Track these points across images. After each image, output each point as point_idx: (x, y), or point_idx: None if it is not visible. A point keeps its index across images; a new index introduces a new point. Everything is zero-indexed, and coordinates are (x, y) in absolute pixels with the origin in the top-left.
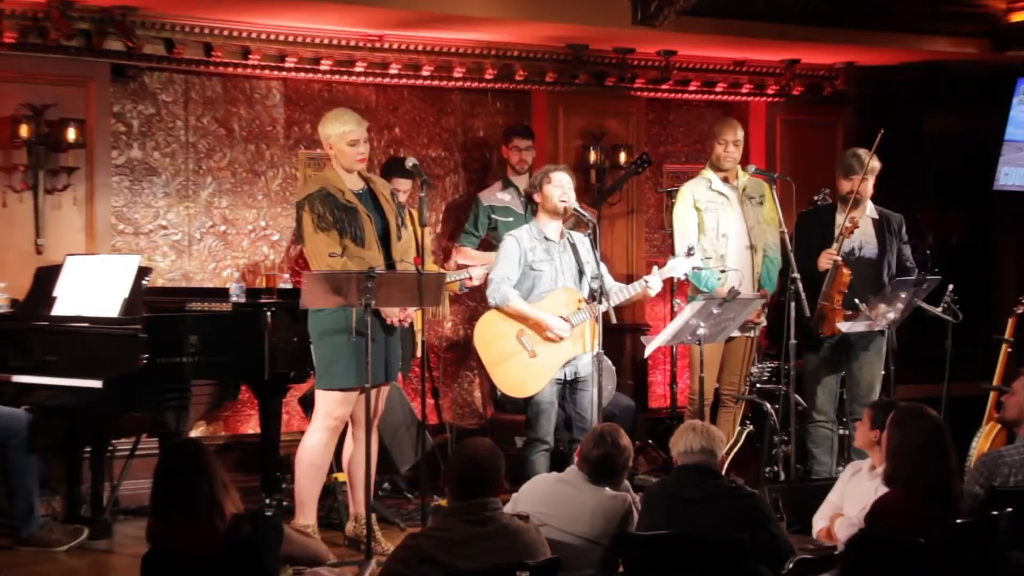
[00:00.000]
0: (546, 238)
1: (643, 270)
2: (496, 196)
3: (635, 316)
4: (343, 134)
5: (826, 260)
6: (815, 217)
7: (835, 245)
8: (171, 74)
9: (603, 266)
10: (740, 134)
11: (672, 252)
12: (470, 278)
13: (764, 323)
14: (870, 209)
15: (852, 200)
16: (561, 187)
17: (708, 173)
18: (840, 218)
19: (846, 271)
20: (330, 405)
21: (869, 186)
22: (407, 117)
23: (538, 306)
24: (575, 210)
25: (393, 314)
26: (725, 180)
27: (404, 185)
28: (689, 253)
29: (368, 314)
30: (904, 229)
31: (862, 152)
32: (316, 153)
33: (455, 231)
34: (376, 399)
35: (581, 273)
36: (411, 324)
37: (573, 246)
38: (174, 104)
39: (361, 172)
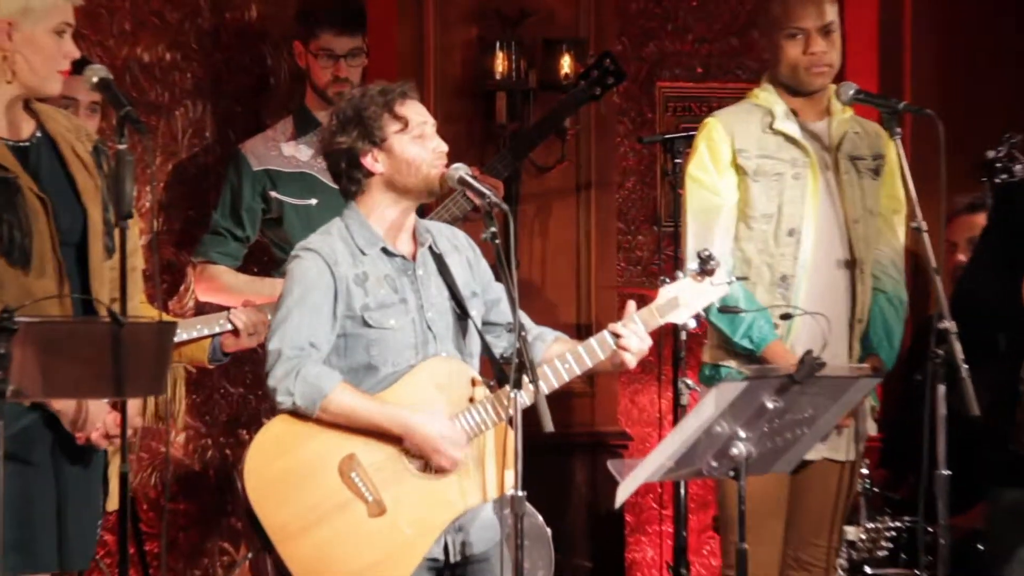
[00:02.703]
0: (387, 251)
1: (610, 314)
2: (282, 150)
3: (595, 415)
4: (42, 13)
5: None
6: None
7: None
8: None
9: (521, 313)
10: (833, 13)
11: (678, 268)
12: (234, 332)
13: (874, 428)
14: None
15: None
16: (425, 129)
17: (768, 95)
18: None
19: None
20: None
21: None
22: None
23: (387, 400)
24: (465, 183)
25: (96, 420)
26: (797, 114)
27: (87, 98)
28: (705, 269)
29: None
30: None
31: None
32: None
33: (194, 229)
34: None
35: (461, 316)
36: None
37: (439, 259)
38: None
39: (39, 102)
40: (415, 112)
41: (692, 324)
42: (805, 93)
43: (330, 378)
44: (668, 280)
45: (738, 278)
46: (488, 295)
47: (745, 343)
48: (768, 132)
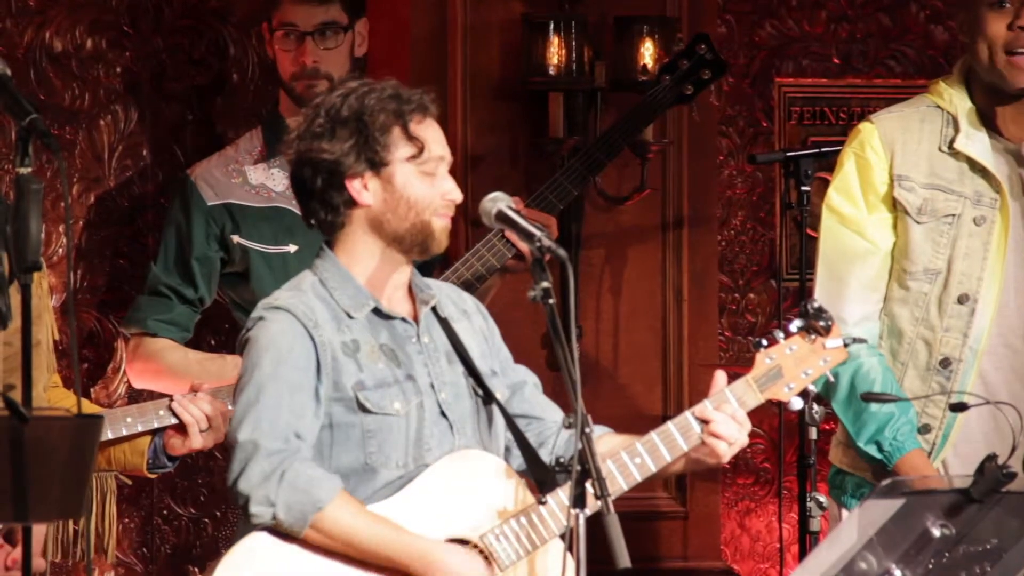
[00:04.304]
0: (380, 313)
1: (699, 391)
2: (247, 177)
3: (688, 544)
4: None
5: None
6: None
7: None
8: None
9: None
10: None
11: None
12: (178, 431)
13: None
14: None
15: None
16: (440, 167)
17: (955, 94)
18: None
19: None
20: None
21: None
22: None
23: (393, 513)
24: (505, 219)
25: None
26: (992, 125)
27: None
28: (814, 325)
29: None
30: None
31: None
32: None
33: (126, 286)
34: None
35: (484, 399)
36: None
37: (445, 324)
38: None
39: None
40: (434, 139)
41: (797, 404)
42: (1008, 94)
43: (328, 484)
44: (765, 342)
45: (855, 339)
46: (508, 377)
47: (872, 451)
48: (946, 152)
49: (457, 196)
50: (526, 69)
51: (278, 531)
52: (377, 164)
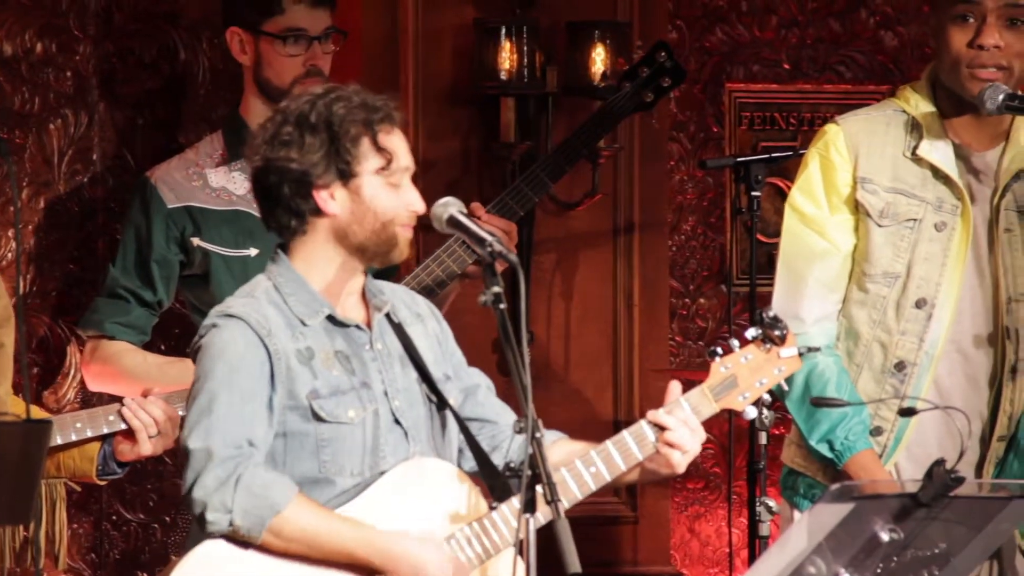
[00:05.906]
0: (334, 320)
1: (650, 395)
2: (208, 180)
3: (639, 549)
4: None
5: None
6: None
7: None
8: None
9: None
10: None
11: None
12: (127, 437)
13: None
14: None
15: None
16: (405, 177)
17: (920, 100)
18: None
19: None
20: None
21: None
22: None
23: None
24: (456, 224)
25: None
26: (954, 138)
27: None
28: (770, 335)
29: None
30: None
31: None
32: None
33: (77, 291)
34: None
35: (438, 405)
36: None
37: (399, 329)
38: None
39: None
40: (401, 149)
41: (751, 413)
42: (969, 103)
43: (283, 488)
44: (721, 351)
45: (810, 349)
46: (462, 380)
47: (823, 449)
48: (910, 157)
49: (420, 207)
50: (478, 74)
51: (234, 538)
52: (346, 175)
